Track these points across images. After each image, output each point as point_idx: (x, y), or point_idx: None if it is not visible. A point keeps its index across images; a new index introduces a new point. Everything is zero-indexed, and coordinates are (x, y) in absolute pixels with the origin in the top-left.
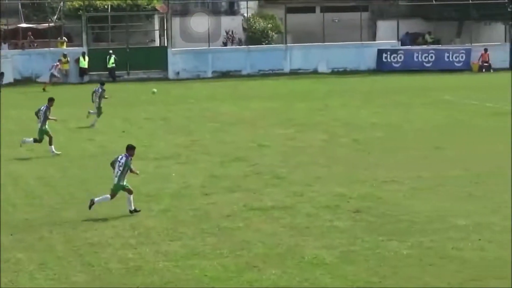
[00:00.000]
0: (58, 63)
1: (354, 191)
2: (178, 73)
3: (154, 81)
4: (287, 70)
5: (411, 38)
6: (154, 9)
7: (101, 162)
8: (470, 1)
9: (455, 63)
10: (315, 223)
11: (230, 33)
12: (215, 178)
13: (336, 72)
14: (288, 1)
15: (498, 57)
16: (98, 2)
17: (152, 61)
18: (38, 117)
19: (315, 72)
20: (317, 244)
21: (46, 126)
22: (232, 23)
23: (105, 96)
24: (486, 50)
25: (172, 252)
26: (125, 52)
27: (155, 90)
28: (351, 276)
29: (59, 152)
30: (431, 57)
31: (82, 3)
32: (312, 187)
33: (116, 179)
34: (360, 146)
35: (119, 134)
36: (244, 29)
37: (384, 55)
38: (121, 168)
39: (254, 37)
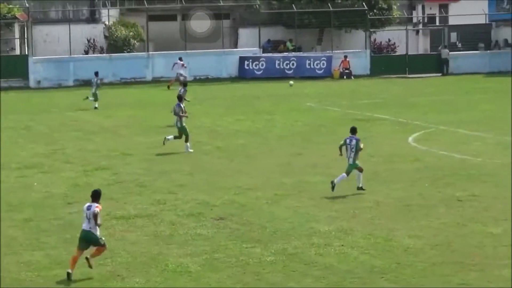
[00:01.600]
0: (182, 62)
1: (218, 199)
2: (39, 81)
3: (14, 89)
4: (149, 78)
5: (273, 46)
6: (14, 17)
7: None
8: (331, 9)
9: (317, 70)
10: (179, 231)
11: (92, 41)
12: (78, 187)
13: (198, 80)
14: (149, 9)
15: (358, 64)
16: None
17: (13, 69)
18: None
19: (177, 80)
20: (181, 252)
21: (184, 124)
22: (93, 31)
23: (186, 99)
24: (346, 57)
25: (35, 262)
26: None
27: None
28: (215, 284)
29: (191, 150)
30: (293, 64)
31: None
32: (176, 195)
33: (351, 159)
34: (223, 153)
35: None
36: (105, 37)
37: (246, 62)
38: (353, 150)
39: (116, 45)
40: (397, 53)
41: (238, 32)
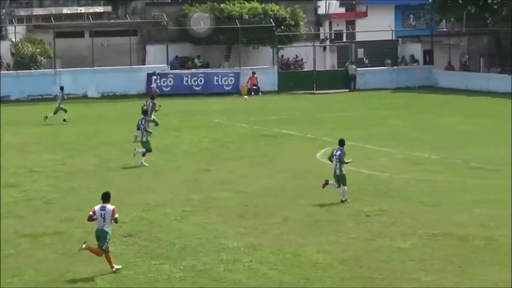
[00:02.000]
0: (156, 77)
1: (126, 216)
2: None
3: None
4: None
5: (181, 62)
6: None
7: None
8: (238, 25)
9: (224, 87)
10: None
11: None
12: None
13: (106, 97)
14: (56, 25)
15: (266, 80)
16: None
17: None
18: (140, 130)
19: (84, 96)
20: (89, 269)
21: (149, 139)
22: None
23: (156, 109)
24: (254, 73)
25: None
26: None
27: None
28: None
29: (147, 164)
30: (201, 80)
31: None
32: (84, 212)
33: (338, 170)
34: (132, 170)
35: None
36: (12, 54)
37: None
38: (338, 160)
39: (22, 62)
40: (304, 69)
41: (146, 49)
